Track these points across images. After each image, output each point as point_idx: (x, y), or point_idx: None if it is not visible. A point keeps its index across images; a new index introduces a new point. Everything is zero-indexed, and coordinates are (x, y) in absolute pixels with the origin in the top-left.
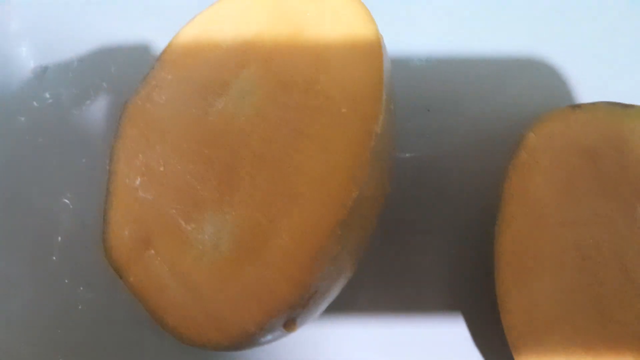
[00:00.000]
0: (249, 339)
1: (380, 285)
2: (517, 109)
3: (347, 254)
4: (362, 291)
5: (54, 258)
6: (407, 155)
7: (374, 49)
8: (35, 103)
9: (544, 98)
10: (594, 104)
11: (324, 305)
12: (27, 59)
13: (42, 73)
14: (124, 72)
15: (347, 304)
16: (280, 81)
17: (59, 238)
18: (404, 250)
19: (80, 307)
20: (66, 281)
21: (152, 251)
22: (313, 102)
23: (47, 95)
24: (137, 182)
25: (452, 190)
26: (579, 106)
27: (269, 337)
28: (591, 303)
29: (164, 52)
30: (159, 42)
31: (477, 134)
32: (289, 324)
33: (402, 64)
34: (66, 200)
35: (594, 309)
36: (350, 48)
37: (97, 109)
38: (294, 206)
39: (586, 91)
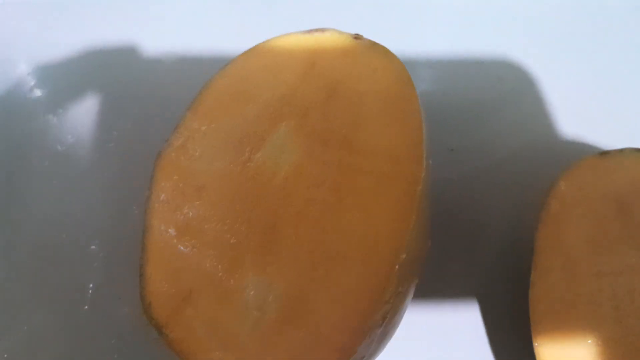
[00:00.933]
0: None
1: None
2: (543, 150)
3: (394, 316)
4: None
5: (86, 307)
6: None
7: (412, 106)
8: (59, 147)
9: (570, 141)
10: (621, 150)
11: None
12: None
13: (62, 114)
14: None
15: None
16: (318, 137)
17: (90, 287)
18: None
19: (115, 357)
20: (99, 333)
21: (193, 309)
22: (353, 160)
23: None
24: (174, 237)
25: (483, 234)
26: (607, 153)
27: None
28: (624, 355)
29: (196, 101)
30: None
31: (503, 175)
32: None
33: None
34: (94, 247)
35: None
36: (388, 105)
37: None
38: (339, 270)
39: (614, 136)
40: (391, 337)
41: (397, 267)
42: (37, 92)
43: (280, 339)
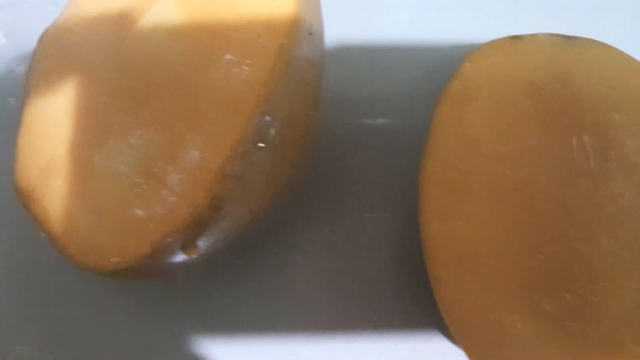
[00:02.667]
0: (146, 261)
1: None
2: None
3: (255, 175)
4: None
5: None
6: None
7: None
8: None
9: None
10: (535, 35)
11: (228, 232)
12: None
13: None
14: None
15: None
16: (195, 6)
17: None
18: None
19: None
20: None
21: (58, 178)
22: (229, 23)
23: None
24: (48, 111)
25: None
26: (519, 37)
27: (167, 259)
28: (523, 236)
29: None
30: None
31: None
32: (189, 247)
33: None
34: None
35: (525, 241)
36: None
37: None
38: (197, 127)
39: (528, 22)
40: (256, 205)
41: (255, 120)
42: None
43: (137, 198)
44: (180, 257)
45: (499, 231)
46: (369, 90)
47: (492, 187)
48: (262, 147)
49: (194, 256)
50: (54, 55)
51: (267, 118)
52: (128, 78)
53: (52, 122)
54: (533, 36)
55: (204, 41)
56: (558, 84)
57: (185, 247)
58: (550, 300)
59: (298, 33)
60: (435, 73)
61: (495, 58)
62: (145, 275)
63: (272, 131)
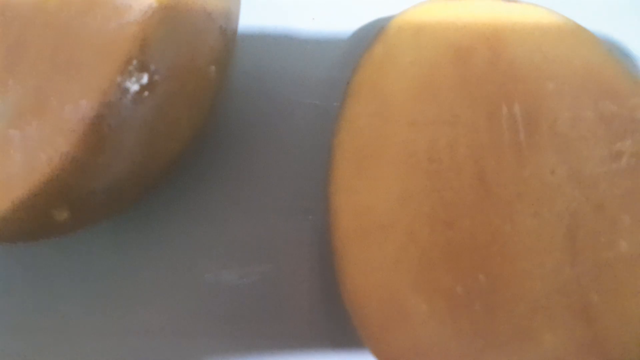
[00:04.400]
0: (11, 221)
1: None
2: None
3: (135, 131)
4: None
5: None
6: None
7: None
8: None
9: None
10: None
11: (108, 193)
12: None
13: None
14: None
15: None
16: None
17: None
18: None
19: None
20: None
21: None
22: None
23: None
24: None
25: None
26: None
27: (37, 221)
28: (435, 209)
29: None
30: None
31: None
32: (57, 208)
33: None
34: None
35: (436, 215)
36: None
37: None
38: (72, 76)
39: None
40: (133, 156)
41: (130, 71)
42: None
43: (6, 149)
44: (47, 219)
45: (408, 204)
46: (299, 65)
47: (406, 157)
48: (143, 98)
49: (64, 218)
50: None
51: (147, 66)
52: (7, 29)
53: None
54: None
55: None
56: (489, 50)
57: (51, 206)
58: (459, 279)
59: None
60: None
61: (425, 20)
62: (15, 238)
63: (154, 81)
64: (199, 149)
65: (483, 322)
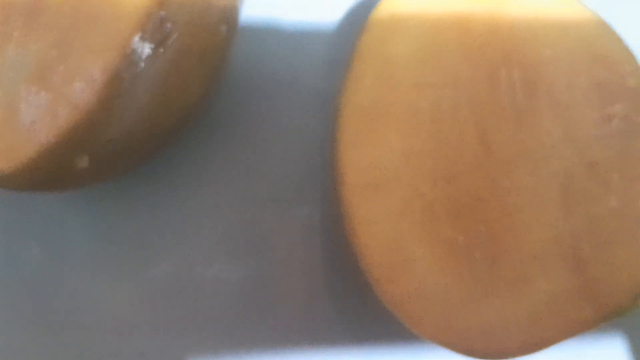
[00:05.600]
0: (33, 166)
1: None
2: None
3: (150, 83)
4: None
5: None
6: None
7: None
8: None
9: None
10: None
11: (122, 145)
12: None
13: None
14: None
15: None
16: None
17: None
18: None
19: None
20: None
21: None
22: None
23: None
24: None
25: None
26: None
27: (57, 167)
28: (437, 166)
29: None
30: None
31: None
32: (78, 155)
33: None
34: None
35: (439, 172)
36: None
37: None
38: (90, 30)
39: None
40: (150, 108)
41: (149, 24)
42: None
43: (24, 104)
44: (69, 167)
45: (412, 160)
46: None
47: (410, 117)
48: (157, 51)
49: (85, 166)
50: None
51: (163, 18)
52: None
53: None
54: None
55: None
56: (489, 16)
57: (74, 153)
58: (461, 231)
59: None
60: None
61: None
62: (36, 186)
63: (169, 35)
64: (202, 118)
65: (482, 270)
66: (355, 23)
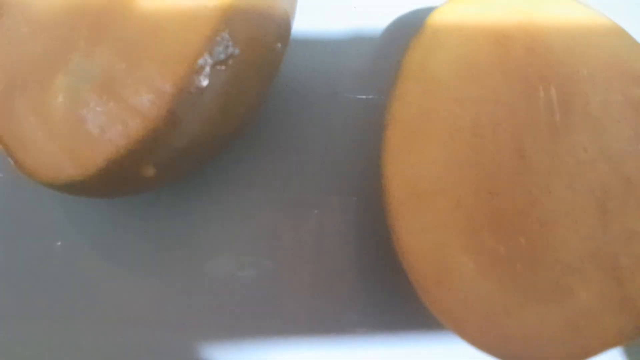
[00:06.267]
0: (100, 175)
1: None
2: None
3: (213, 95)
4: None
5: None
6: None
7: None
8: None
9: None
10: None
11: (185, 154)
12: None
13: None
14: None
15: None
16: None
17: None
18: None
19: None
20: None
21: (20, 96)
22: None
23: None
24: (17, 31)
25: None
26: None
27: (123, 176)
28: (479, 179)
29: None
30: None
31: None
32: (144, 165)
33: None
34: None
35: (480, 184)
36: None
37: None
38: (157, 44)
39: None
40: (215, 129)
41: (214, 37)
42: None
43: (91, 111)
44: (136, 175)
45: (455, 173)
46: (342, 59)
47: (452, 131)
48: (221, 66)
49: (151, 174)
50: None
51: (227, 38)
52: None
53: (20, 42)
54: None
55: None
56: (527, 37)
57: (141, 163)
58: (502, 241)
59: None
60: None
61: (468, 8)
62: (102, 192)
63: (232, 52)
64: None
65: (523, 279)
66: (395, 36)
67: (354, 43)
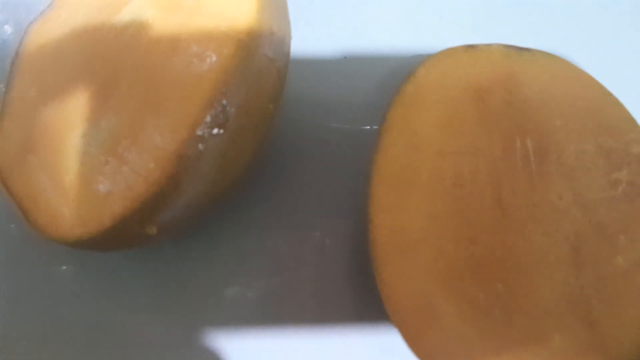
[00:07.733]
0: (107, 233)
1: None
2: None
3: (211, 158)
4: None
5: None
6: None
7: None
8: None
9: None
10: (489, 45)
11: (186, 211)
12: None
13: None
14: None
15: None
16: (166, 5)
17: None
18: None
19: None
20: None
21: (34, 157)
22: (194, 20)
23: None
24: (30, 94)
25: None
26: (474, 46)
27: (128, 233)
28: (459, 227)
29: None
30: None
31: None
32: (147, 223)
33: None
34: None
35: (461, 233)
36: None
37: None
38: (159, 111)
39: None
40: (213, 188)
41: (211, 107)
42: None
43: (99, 175)
44: (140, 234)
45: (437, 223)
46: (333, 94)
47: (434, 183)
48: (219, 131)
49: (153, 233)
50: (37, 44)
51: (225, 104)
52: (102, 67)
53: (33, 106)
54: (487, 46)
55: (170, 35)
56: (505, 91)
57: (144, 222)
58: (481, 288)
59: (258, 31)
60: (395, 80)
61: (449, 64)
62: (109, 248)
63: (229, 117)
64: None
65: (501, 325)
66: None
67: (349, 79)
